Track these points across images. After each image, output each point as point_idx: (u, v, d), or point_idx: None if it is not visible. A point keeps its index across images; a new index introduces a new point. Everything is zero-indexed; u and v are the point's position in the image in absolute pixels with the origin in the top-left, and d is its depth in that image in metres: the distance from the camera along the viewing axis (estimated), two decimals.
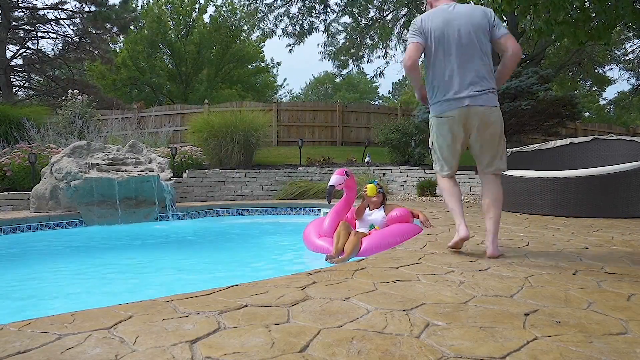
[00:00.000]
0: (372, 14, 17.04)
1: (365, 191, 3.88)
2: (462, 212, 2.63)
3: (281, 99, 33.92)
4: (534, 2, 3.80)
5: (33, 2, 17.72)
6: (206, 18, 24.35)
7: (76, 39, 17.97)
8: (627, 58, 20.56)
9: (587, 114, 27.41)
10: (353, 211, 4.08)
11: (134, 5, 21.29)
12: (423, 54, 2.65)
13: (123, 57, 22.26)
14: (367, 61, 18.20)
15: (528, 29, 12.70)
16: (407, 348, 1.18)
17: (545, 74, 8.51)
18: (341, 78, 38.09)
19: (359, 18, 16.78)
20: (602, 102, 28.92)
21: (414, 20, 2.65)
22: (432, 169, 3.25)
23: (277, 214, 6.77)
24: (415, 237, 3.28)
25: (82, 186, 5.40)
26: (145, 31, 22.45)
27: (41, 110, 10.48)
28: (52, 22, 17.56)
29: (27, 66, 18.07)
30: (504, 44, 2.57)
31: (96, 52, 18.30)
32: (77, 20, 17.81)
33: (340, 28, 17.44)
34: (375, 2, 16.53)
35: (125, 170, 5.87)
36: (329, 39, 17.53)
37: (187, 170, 7.75)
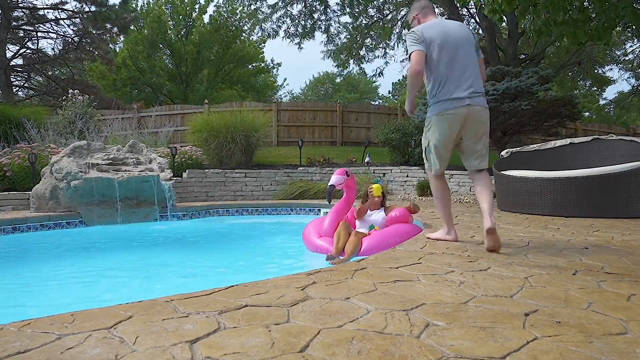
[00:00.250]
0: (372, 13, 17.05)
1: (371, 190, 3.88)
2: (452, 217, 3.00)
3: (281, 99, 33.93)
4: (534, 2, 3.81)
5: (33, 2, 17.76)
6: (206, 18, 24.38)
7: (76, 39, 17.99)
8: (627, 58, 20.57)
9: (587, 114, 27.42)
10: (353, 211, 4.08)
11: (134, 5, 21.30)
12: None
13: (123, 57, 22.28)
14: (367, 61, 18.17)
15: (528, 29, 12.72)
16: (407, 348, 1.18)
17: (545, 74, 8.51)
18: (342, 78, 38.15)
19: (359, 17, 16.79)
20: (602, 102, 28.94)
21: (414, 30, 2.86)
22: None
23: (277, 214, 6.77)
24: (415, 237, 3.28)
25: (82, 186, 5.40)
26: (146, 31, 22.47)
27: (41, 110, 10.49)
28: (52, 22, 17.58)
29: (27, 66, 18.08)
30: (481, 65, 2.96)
31: (96, 52, 18.30)
32: (77, 20, 17.82)
33: (341, 27, 17.47)
34: (375, 2, 16.53)
35: (126, 170, 5.88)
36: (329, 40, 17.55)
37: (187, 170, 7.75)
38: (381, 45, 18.05)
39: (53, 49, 18.91)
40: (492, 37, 13.30)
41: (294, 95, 43.03)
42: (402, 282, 1.89)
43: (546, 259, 2.44)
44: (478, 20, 15.26)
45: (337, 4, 16.60)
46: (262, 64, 27.13)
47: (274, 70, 29.43)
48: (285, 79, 61.28)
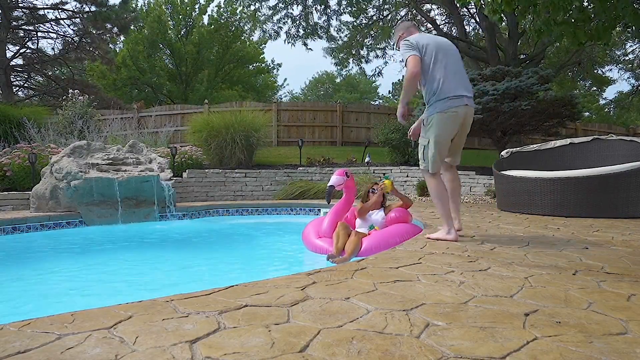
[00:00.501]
0: (372, 13, 17.05)
1: (381, 185, 3.88)
2: (451, 216, 3.07)
3: (281, 99, 33.92)
4: (534, 2, 3.80)
5: (33, 2, 17.75)
6: (206, 18, 24.36)
7: (76, 39, 17.98)
8: (627, 58, 20.57)
9: (587, 114, 27.43)
10: (353, 211, 4.08)
11: (134, 5, 21.29)
12: None
13: (123, 57, 22.27)
14: (367, 61, 18.18)
15: (528, 29, 12.71)
16: (407, 348, 1.18)
17: (545, 74, 8.50)
18: (342, 78, 38.09)
19: (359, 17, 16.79)
20: (602, 102, 28.94)
21: (406, 39, 3.06)
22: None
23: (277, 214, 6.77)
24: (415, 237, 3.28)
25: (82, 186, 5.40)
26: (146, 31, 22.46)
27: (41, 110, 10.48)
28: (52, 22, 17.57)
29: (27, 66, 18.07)
30: None
31: (96, 52, 18.30)
32: (77, 20, 17.82)
33: (341, 25, 17.45)
34: (375, 1, 16.54)
35: (126, 170, 5.87)
36: (329, 39, 17.55)
37: (187, 170, 7.75)
38: (381, 46, 18.05)
39: (53, 49, 18.96)
40: (492, 37, 13.30)
41: (294, 95, 43.03)
42: (402, 282, 1.89)
43: (546, 259, 2.44)
44: (478, 20, 15.27)
45: (337, 3, 16.59)
46: (263, 64, 27.12)
47: (274, 71, 29.45)
48: (285, 79, 61.29)
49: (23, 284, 3.00)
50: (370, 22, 16.90)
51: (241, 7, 21.28)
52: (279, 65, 28.93)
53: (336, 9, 16.72)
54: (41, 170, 6.07)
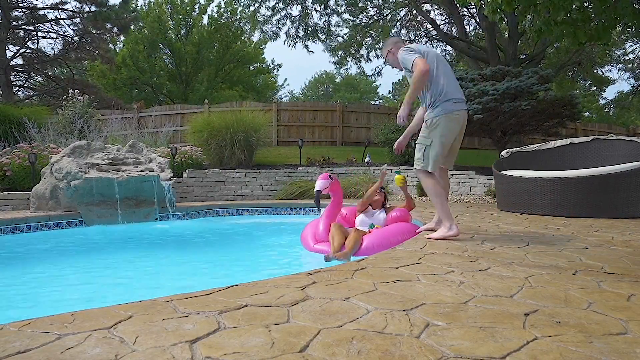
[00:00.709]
0: (372, 12, 17.05)
1: (380, 192, 3.92)
2: (450, 213, 3.13)
3: (281, 99, 33.92)
4: (534, 2, 3.80)
5: (33, 2, 17.73)
6: (206, 18, 24.35)
7: (76, 39, 17.98)
8: (627, 58, 20.57)
9: (587, 114, 27.43)
10: (354, 211, 4.09)
11: (134, 5, 21.28)
12: None
13: (123, 57, 22.27)
14: (367, 61, 18.17)
15: (528, 29, 12.70)
16: (407, 348, 1.18)
17: (545, 74, 8.50)
18: (340, 76, 38.04)
19: (359, 16, 16.78)
20: (602, 102, 28.94)
21: (406, 47, 3.21)
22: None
23: (277, 214, 6.77)
24: (415, 237, 3.28)
25: (82, 186, 5.40)
26: (146, 31, 22.45)
27: (41, 110, 10.47)
28: (52, 22, 17.57)
29: (27, 66, 18.07)
30: None
31: (96, 52, 18.30)
32: (77, 20, 17.81)
33: (341, 22, 17.43)
34: (375, 1, 16.53)
35: (125, 170, 5.87)
36: (328, 38, 17.54)
37: (187, 170, 7.75)
38: (380, 45, 18.04)
39: (53, 48, 18.97)
40: (492, 37, 13.29)
41: (294, 95, 43.03)
42: (402, 282, 1.89)
43: (546, 259, 2.44)
44: (478, 20, 15.26)
45: (336, 3, 16.58)
46: (263, 65, 27.13)
47: (275, 71, 29.45)
48: (285, 79, 61.32)
49: (23, 284, 3.00)
50: (371, 22, 16.90)
51: (241, 7, 21.30)
52: (279, 65, 28.95)
53: (336, 8, 16.71)
54: (41, 170, 6.07)
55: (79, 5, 17.49)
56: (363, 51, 17.78)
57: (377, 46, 17.48)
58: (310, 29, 16.98)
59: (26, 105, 15.45)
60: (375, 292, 1.72)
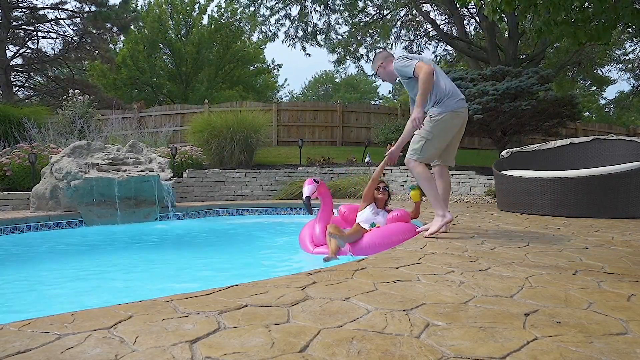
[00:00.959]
0: (372, 12, 17.04)
1: (381, 197, 3.96)
2: (440, 199, 3.23)
3: (281, 99, 33.92)
4: (534, 2, 3.80)
5: (33, 2, 17.71)
6: (206, 18, 24.35)
7: (76, 39, 17.97)
8: (627, 58, 20.57)
9: (587, 113, 27.43)
10: (351, 209, 4.10)
11: (134, 5, 21.28)
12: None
13: (123, 57, 22.26)
14: (366, 61, 18.15)
15: (528, 29, 12.71)
16: (407, 348, 1.18)
17: (545, 74, 8.50)
18: (339, 75, 37.96)
19: (359, 15, 16.78)
20: (602, 102, 28.95)
21: (400, 55, 3.31)
22: (431, 168, 3.46)
23: (277, 214, 6.77)
24: (415, 237, 3.28)
25: (82, 186, 5.40)
26: (146, 31, 22.45)
27: (41, 110, 10.47)
28: (52, 22, 17.57)
29: (27, 66, 18.07)
30: None
31: (96, 52, 18.30)
32: (77, 20, 17.81)
33: (341, 20, 17.41)
34: (375, 1, 16.52)
35: (126, 170, 5.87)
36: (327, 38, 17.53)
37: (187, 170, 7.75)
38: (380, 45, 18.03)
39: (53, 48, 18.97)
40: (492, 37, 13.29)
41: (294, 95, 43.03)
42: (402, 282, 1.89)
43: (546, 259, 2.44)
44: (478, 20, 15.26)
45: (334, 3, 16.56)
46: (263, 65, 27.13)
47: (275, 71, 29.45)
48: (285, 80, 61.32)
49: (23, 284, 3.00)
50: (370, 21, 16.89)
51: (241, 7, 21.29)
52: (279, 65, 28.95)
53: (335, 7, 16.69)
54: (41, 170, 6.07)
55: (79, 5, 17.51)
56: (362, 50, 17.79)
57: (377, 46, 17.48)
58: (309, 29, 16.96)
59: (26, 105, 15.44)
60: (375, 292, 1.72)
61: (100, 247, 4.42)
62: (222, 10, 24.21)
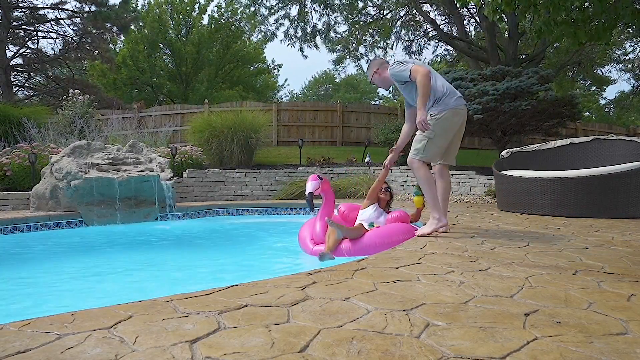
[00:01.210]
0: (372, 12, 17.03)
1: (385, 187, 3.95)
2: (439, 203, 3.26)
3: (281, 99, 33.91)
4: (534, 2, 3.80)
5: (33, 2, 17.70)
6: (206, 18, 24.35)
7: (76, 39, 17.97)
8: (627, 58, 20.57)
9: (587, 113, 27.44)
10: (351, 208, 4.10)
11: (134, 5, 21.28)
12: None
13: (123, 57, 22.26)
14: (367, 61, 18.15)
15: (528, 29, 12.70)
16: (407, 348, 1.18)
17: (545, 74, 8.50)
18: (339, 75, 37.90)
19: (358, 15, 16.77)
20: (602, 102, 28.96)
21: (395, 60, 3.37)
22: (432, 168, 3.46)
23: (277, 214, 6.77)
24: (415, 237, 3.28)
25: (82, 186, 5.40)
26: (146, 31, 22.44)
27: (41, 110, 10.46)
28: (52, 22, 17.56)
29: (27, 66, 18.06)
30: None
31: (96, 51, 18.30)
32: (77, 20, 17.80)
33: (342, 19, 17.38)
34: (375, 0, 16.52)
35: (126, 170, 5.87)
36: (326, 39, 17.52)
37: (187, 170, 7.75)
38: (380, 45, 18.03)
39: (53, 48, 18.97)
40: (492, 37, 13.29)
41: (294, 95, 43.03)
42: (402, 282, 1.89)
43: (546, 259, 2.44)
44: (478, 20, 15.26)
45: (337, 4, 16.55)
46: (263, 65, 27.13)
47: (275, 71, 29.44)
48: (286, 80, 61.29)
49: (23, 284, 3.00)
50: (370, 20, 16.89)
51: (241, 7, 21.29)
52: (280, 65, 28.96)
53: (335, 7, 16.67)
54: (41, 170, 6.07)
55: (79, 5, 17.50)
56: (362, 49, 17.78)
57: (377, 45, 17.47)
58: (309, 29, 16.95)
59: (26, 105, 15.43)
60: (375, 292, 1.72)
61: (100, 247, 4.42)
62: (222, 10, 24.22)
